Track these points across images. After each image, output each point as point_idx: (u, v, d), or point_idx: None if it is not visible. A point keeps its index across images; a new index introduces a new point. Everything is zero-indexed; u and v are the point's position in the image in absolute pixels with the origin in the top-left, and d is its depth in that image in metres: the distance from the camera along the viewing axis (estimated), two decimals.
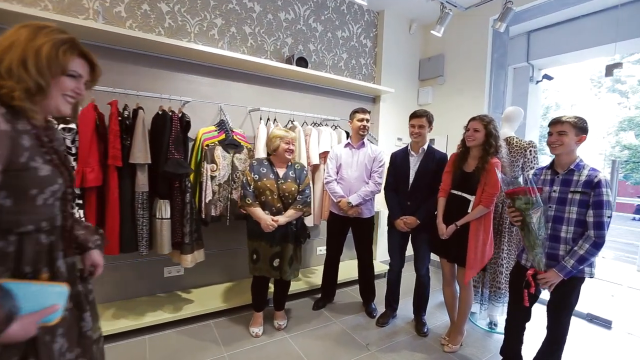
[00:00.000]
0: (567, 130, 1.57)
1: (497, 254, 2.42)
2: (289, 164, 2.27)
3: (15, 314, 0.70)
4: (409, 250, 2.47)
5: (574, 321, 2.65)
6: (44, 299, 0.78)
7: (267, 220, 2.07)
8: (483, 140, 1.99)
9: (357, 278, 2.83)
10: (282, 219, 2.11)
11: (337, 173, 2.60)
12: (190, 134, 2.54)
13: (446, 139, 3.75)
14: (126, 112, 2.08)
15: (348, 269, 3.25)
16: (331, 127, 3.15)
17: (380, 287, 2.75)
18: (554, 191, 1.63)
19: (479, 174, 1.98)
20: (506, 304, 2.40)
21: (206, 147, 2.46)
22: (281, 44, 3.10)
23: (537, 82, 4.91)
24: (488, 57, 3.49)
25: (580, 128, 1.57)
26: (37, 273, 0.82)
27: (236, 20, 2.84)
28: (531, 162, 2.27)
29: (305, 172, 2.28)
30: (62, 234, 0.90)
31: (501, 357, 1.98)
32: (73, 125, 1.87)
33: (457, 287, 2.25)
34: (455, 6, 2.84)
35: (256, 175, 2.17)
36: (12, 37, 0.79)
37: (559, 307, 1.64)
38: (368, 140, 3.27)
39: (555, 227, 1.61)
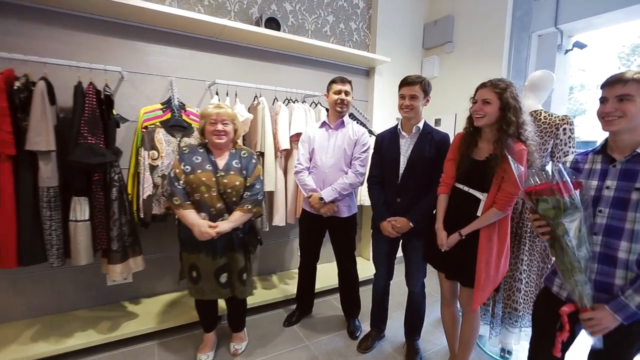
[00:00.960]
0: (633, 94, 0.98)
1: (514, 264, 1.86)
2: (233, 150, 1.74)
3: None
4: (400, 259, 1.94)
5: None
6: None
7: (201, 226, 1.56)
8: (498, 116, 1.41)
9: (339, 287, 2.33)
10: (224, 225, 1.61)
11: (311, 160, 2.06)
12: (132, 114, 2.07)
13: (454, 118, 3.14)
14: (18, 84, 1.58)
15: (333, 272, 2.75)
16: (310, 104, 2.60)
17: (368, 298, 2.22)
18: (607, 187, 1.05)
19: (493, 163, 1.41)
20: (524, 329, 1.87)
21: (144, 130, 1.97)
22: (248, 2, 2.53)
23: (567, 51, 4.17)
24: (508, 16, 2.83)
25: None
26: None
27: None
28: (565, 143, 1.67)
29: (254, 161, 1.75)
30: None
31: None
32: None
33: (458, 311, 1.73)
34: None
35: (187, 167, 1.64)
36: None
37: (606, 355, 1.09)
38: (355, 119, 2.72)
39: (609, 242, 1.03)
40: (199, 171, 1.64)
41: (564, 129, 1.67)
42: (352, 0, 3.01)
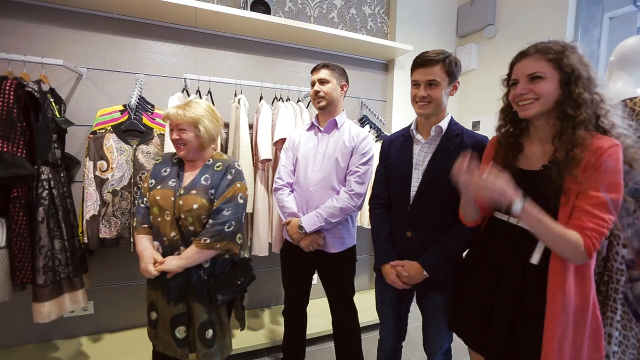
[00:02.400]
0: None
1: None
2: (208, 162, 1.30)
3: None
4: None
5: None
6: None
7: (143, 260, 1.21)
8: (558, 97, 0.85)
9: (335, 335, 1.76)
10: (171, 262, 1.18)
11: (294, 172, 1.56)
12: (89, 118, 1.74)
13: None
14: None
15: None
16: (307, 104, 2.10)
17: (374, 348, 1.62)
18: None
19: (556, 173, 0.84)
20: None
21: (91, 136, 1.60)
22: None
23: None
24: None
25: None
26: None
27: None
28: None
29: (229, 177, 1.26)
30: None
31: None
32: None
33: None
34: None
35: (152, 180, 1.28)
36: None
37: None
38: (368, 123, 2.19)
39: None
40: (158, 187, 1.25)
41: None
42: None
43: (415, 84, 1.19)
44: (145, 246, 1.25)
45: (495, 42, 2.53)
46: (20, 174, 1.31)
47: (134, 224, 1.31)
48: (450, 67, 1.15)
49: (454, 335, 1.20)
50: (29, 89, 1.37)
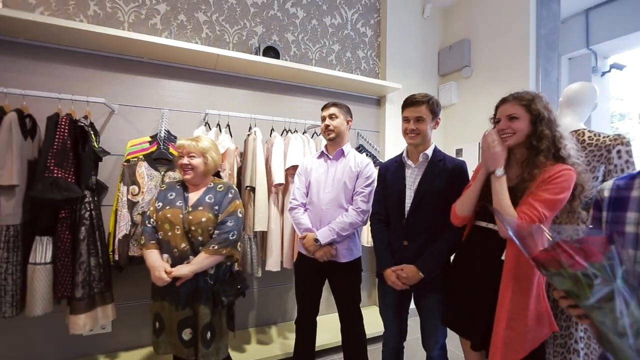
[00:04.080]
0: None
1: (566, 328, 1.42)
2: (209, 185, 1.53)
3: None
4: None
5: None
6: None
7: (156, 269, 1.36)
8: (529, 132, 1.12)
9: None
10: (182, 269, 1.37)
11: (307, 195, 1.80)
12: (120, 148, 1.95)
13: (478, 147, 2.80)
14: None
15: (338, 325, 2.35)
16: (312, 135, 2.39)
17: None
18: None
19: (523, 188, 1.11)
20: None
21: (125, 164, 1.82)
22: (248, 33, 2.47)
23: (603, 73, 3.81)
24: (531, 34, 2.56)
25: None
26: None
27: (185, 5, 2.27)
28: (622, 170, 1.30)
29: (230, 196, 1.51)
30: None
31: None
32: None
33: None
34: None
35: (159, 203, 1.48)
36: None
37: None
38: (364, 151, 2.48)
39: None
40: (167, 207, 1.46)
41: (619, 152, 1.30)
42: (358, 29, 2.90)
43: (406, 120, 1.48)
44: (156, 258, 1.42)
45: (471, 81, 2.91)
46: (71, 196, 1.51)
47: (142, 242, 1.47)
48: (433, 107, 1.45)
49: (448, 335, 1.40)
50: (81, 124, 1.61)
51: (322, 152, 1.83)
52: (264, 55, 2.30)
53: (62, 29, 1.76)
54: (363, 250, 2.29)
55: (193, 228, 1.42)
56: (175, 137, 2.10)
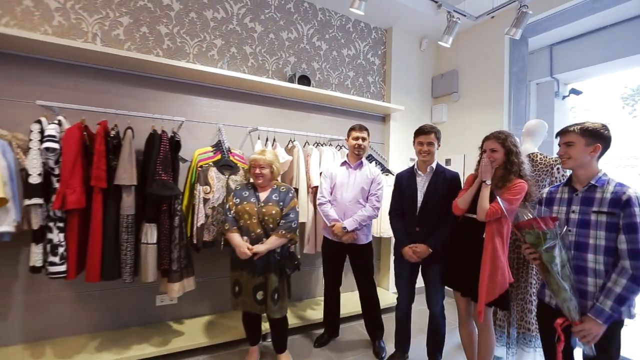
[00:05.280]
0: (574, 141, 1.34)
1: (524, 287, 2.08)
2: (274, 186, 2.10)
3: None
4: (420, 283, 2.17)
5: None
6: None
7: (241, 247, 1.89)
8: (503, 160, 1.75)
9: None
10: (261, 247, 1.91)
11: (331, 193, 2.39)
12: (187, 155, 2.45)
13: (463, 158, 3.48)
14: (113, 132, 2.01)
15: (356, 299, 2.95)
16: (335, 147, 2.99)
17: (392, 322, 2.42)
18: (573, 212, 1.35)
19: (495, 191, 1.74)
20: (538, 349, 2.04)
21: (200, 169, 2.35)
22: (283, 63, 3.03)
23: (564, 97, 4.59)
24: (505, 70, 3.26)
25: (592, 135, 1.31)
26: None
27: (237, 40, 2.81)
28: (559, 180, 1.97)
29: (291, 195, 2.08)
30: None
31: None
32: (57, 146, 1.81)
33: (475, 328, 1.93)
34: (464, 15, 2.65)
35: (237, 199, 2.02)
36: None
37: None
38: (373, 160, 3.09)
39: (580, 255, 1.32)
40: (244, 202, 2.00)
41: (557, 168, 1.98)
42: (369, 58, 3.52)
43: (420, 144, 2.09)
44: (239, 239, 1.94)
45: (459, 104, 3.60)
46: (174, 194, 2.04)
47: (227, 227, 1.99)
48: (438, 135, 2.08)
49: (445, 296, 2.03)
50: (177, 139, 2.13)
51: (345, 161, 2.42)
52: (299, 83, 2.87)
53: (146, 62, 2.25)
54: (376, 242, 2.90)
55: (266, 218, 1.98)
56: (229, 147, 2.63)
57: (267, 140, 2.69)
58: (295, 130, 2.81)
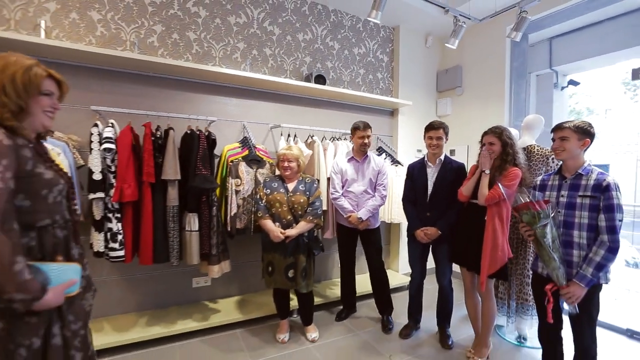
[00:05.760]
0: (568, 136, 1.59)
1: (522, 264, 2.36)
2: (300, 178, 2.36)
3: (47, 286, 0.92)
4: (430, 262, 2.45)
5: (613, 337, 2.52)
6: (64, 275, 0.99)
7: (275, 231, 2.17)
8: (500, 151, 2.01)
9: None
10: (292, 231, 2.20)
11: (343, 187, 2.64)
12: (216, 151, 2.70)
13: (467, 149, 3.73)
14: (159, 133, 2.26)
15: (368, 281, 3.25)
16: (349, 141, 3.23)
17: (404, 301, 2.71)
18: (562, 196, 1.63)
19: (494, 179, 2.00)
20: (535, 317, 2.33)
21: (231, 163, 2.60)
22: (300, 63, 3.25)
23: (562, 88, 4.79)
24: (507, 66, 3.48)
25: (583, 132, 1.57)
26: (54, 257, 1.01)
27: (257, 43, 3.03)
28: (554, 169, 2.22)
29: (315, 185, 2.36)
30: (73, 226, 1.08)
31: None
32: (113, 146, 2.06)
33: (479, 299, 2.22)
34: (469, 18, 2.87)
35: (267, 190, 2.29)
36: None
37: (581, 320, 1.59)
38: (383, 152, 3.34)
39: (567, 232, 1.60)
40: (275, 193, 2.27)
41: (552, 159, 2.24)
42: (378, 56, 3.73)
43: (430, 138, 2.34)
44: (272, 224, 2.22)
45: (462, 98, 3.82)
46: (214, 186, 2.31)
47: (260, 214, 2.26)
48: (446, 130, 2.33)
49: (453, 272, 2.31)
50: (213, 137, 2.39)
51: (352, 157, 2.66)
52: (315, 82, 3.10)
53: (177, 67, 2.48)
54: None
55: (295, 206, 2.25)
56: (255, 143, 2.88)
57: (288, 136, 2.94)
58: (312, 126, 3.05)
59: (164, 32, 2.65)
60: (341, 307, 2.88)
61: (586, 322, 1.57)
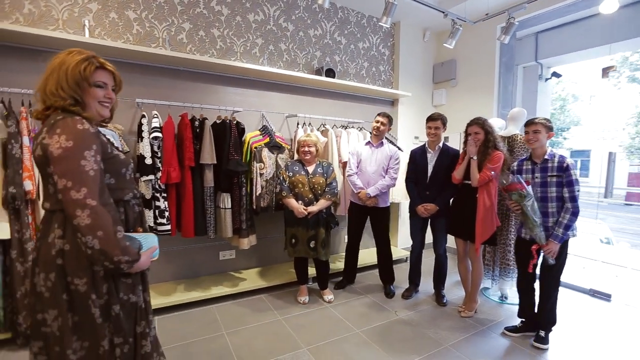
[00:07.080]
0: (540, 129, 2.02)
1: (505, 235, 2.81)
2: (317, 162, 2.72)
3: (141, 250, 1.05)
4: (428, 238, 2.87)
5: (577, 295, 3.02)
6: (149, 242, 1.12)
7: (299, 208, 2.55)
8: (484, 138, 2.41)
9: (376, 263, 3.19)
10: (314, 208, 2.58)
11: (357, 167, 3.02)
12: None
13: (459, 136, 4.13)
14: (196, 122, 2.57)
15: (371, 255, 3.66)
16: (357, 129, 3.59)
17: (402, 271, 3.14)
18: (536, 177, 2.08)
19: (482, 163, 2.40)
20: (515, 279, 2.80)
21: (255, 149, 2.93)
22: (311, 57, 3.55)
23: (546, 79, 5.21)
24: (496, 61, 3.85)
25: (549, 127, 2.06)
26: (135, 228, 1.15)
27: (273, 39, 3.31)
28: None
29: (331, 169, 2.73)
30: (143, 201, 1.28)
31: (520, 320, 2.35)
32: (160, 134, 2.37)
33: (469, 263, 2.66)
34: (465, 21, 3.21)
35: (290, 173, 2.66)
36: (52, 65, 1.02)
37: (555, 269, 2.05)
38: (387, 140, 3.71)
39: (543, 205, 2.05)
40: (297, 175, 2.63)
41: None
42: (380, 50, 4.05)
43: (429, 128, 2.72)
44: (295, 202, 2.60)
45: (456, 89, 4.20)
46: (244, 169, 2.65)
47: (284, 194, 2.63)
48: (444, 121, 2.71)
49: (447, 245, 2.74)
50: (242, 126, 2.71)
51: (369, 141, 3.03)
52: (326, 75, 3.41)
53: (203, 62, 2.76)
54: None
55: (315, 186, 2.62)
56: (274, 131, 3.20)
57: (303, 124, 3.27)
58: (323, 116, 3.39)
59: (192, 30, 2.90)
60: (341, 278, 3.26)
61: (557, 270, 2.06)
